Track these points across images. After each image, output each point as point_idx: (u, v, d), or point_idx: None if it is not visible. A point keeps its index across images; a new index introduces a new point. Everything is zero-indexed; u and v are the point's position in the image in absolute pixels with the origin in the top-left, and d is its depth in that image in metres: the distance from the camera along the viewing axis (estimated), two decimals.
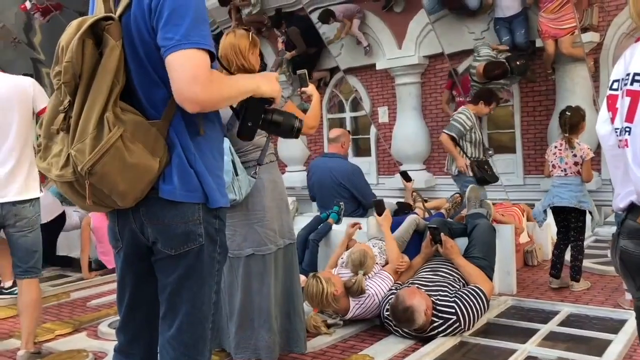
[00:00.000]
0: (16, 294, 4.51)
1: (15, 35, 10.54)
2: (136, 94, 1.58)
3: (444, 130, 5.56)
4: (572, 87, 6.33)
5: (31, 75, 11.43)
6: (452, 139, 5.42)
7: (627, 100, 1.48)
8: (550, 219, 4.41)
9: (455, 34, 7.09)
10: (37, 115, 3.21)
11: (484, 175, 5.44)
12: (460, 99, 6.96)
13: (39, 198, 3.29)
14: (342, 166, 5.11)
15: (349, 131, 6.46)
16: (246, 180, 2.89)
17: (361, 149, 8.72)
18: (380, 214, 4.10)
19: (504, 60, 6.19)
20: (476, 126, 5.50)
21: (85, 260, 5.46)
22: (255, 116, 1.71)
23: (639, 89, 1.45)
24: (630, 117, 1.48)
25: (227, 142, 2.82)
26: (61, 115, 1.53)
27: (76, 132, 1.48)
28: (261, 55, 8.64)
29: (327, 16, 7.59)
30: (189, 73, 1.47)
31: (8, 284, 4.54)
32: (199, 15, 1.53)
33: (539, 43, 6.39)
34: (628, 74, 1.49)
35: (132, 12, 1.55)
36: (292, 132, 1.78)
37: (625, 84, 1.50)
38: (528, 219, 5.17)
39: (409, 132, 7.76)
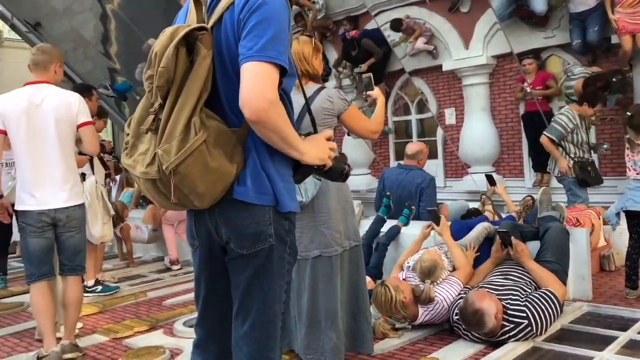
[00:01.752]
0: (98, 292, 4.83)
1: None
2: (220, 101, 1.66)
3: (544, 132, 5.52)
4: None
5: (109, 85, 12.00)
6: (553, 140, 5.40)
7: None
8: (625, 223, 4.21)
9: (525, 33, 6.90)
10: (77, 129, 3.42)
11: (586, 177, 5.37)
12: (529, 89, 6.75)
13: (84, 203, 3.55)
14: (418, 177, 5.05)
15: (427, 144, 6.40)
16: (312, 183, 2.94)
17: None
18: (436, 223, 4.06)
19: (604, 74, 6.00)
20: (579, 127, 5.41)
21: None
22: (305, 174, 1.78)
23: None
24: None
25: None
26: (151, 117, 1.60)
27: (164, 133, 1.56)
28: (325, 59, 8.80)
29: (398, 23, 7.65)
30: (258, 86, 1.54)
31: (90, 282, 4.81)
32: (281, 31, 1.60)
33: (614, 39, 6.11)
34: None
35: (223, 23, 1.64)
36: (341, 176, 1.81)
37: None
38: (604, 223, 4.96)
39: (477, 134, 7.61)
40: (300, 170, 1.76)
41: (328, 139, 1.78)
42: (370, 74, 3.31)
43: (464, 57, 7.59)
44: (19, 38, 12.90)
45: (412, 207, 4.67)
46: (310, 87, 2.97)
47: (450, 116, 8.18)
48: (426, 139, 8.59)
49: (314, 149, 1.71)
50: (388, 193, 4.85)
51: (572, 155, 5.42)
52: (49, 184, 3.33)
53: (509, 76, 7.47)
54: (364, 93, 3.30)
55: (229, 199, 1.65)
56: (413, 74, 8.08)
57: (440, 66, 7.90)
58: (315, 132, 1.84)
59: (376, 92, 3.17)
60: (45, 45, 3.82)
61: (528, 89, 6.79)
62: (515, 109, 7.44)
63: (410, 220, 4.66)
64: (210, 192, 1.61)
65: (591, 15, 6.13)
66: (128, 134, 1.69)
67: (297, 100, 2.88)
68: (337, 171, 1.79)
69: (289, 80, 1.72)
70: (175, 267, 5.98)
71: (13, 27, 11.73)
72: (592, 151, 5.57)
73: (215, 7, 1.67)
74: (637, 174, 3.95)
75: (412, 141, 7.81)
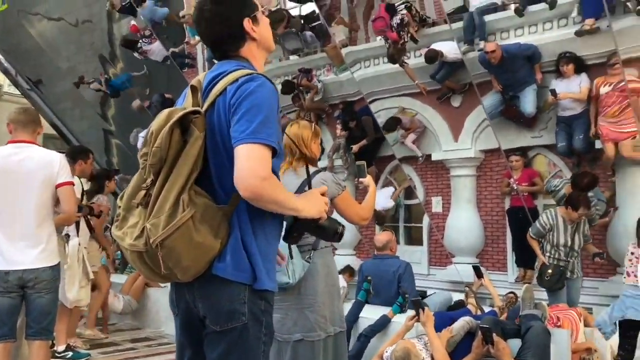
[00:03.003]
0: (69, 358, 4.68)
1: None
2: (211, 179, 1.76)
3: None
4: (633, 190, 6.20)
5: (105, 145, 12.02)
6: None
7: None
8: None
9: (513, 131, 7.16)
10: (56, 188, 3.37)
11: (539, 279, 5.49)
12: (515, 185, 6.89)
13: (59, 263, 3.46)
14: (394, 265, 5.11)
15: (392, 231, 6.46)
16: (300, 264, 2.95)
17: (413, 238, 8.67)
18: (419, 313, 4.06)
19: (589, 173, 6.16)
20: (558, 228, 5.52)
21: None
22: (302, 230, 1.88)
23: None
24: None
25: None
26: (142, 192, 1.70)
27: (154, 208, 1.65)
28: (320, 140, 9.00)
29: (394, 124, 7.81)
30: (251, 166, 1.65)
31: (61, 347, 4.67)
32: (271, 115, 1.73)
33: (598, 144, 6.35)
34: None
35: (216, 107, 1.76)
36: (335, 236, 1.90)
37: None
38: (586, 324, 4.96)
39: (462, 224, 7.68)
40: (296, 226, 1.84)
41: (322, 194, 1.88)
42: (364, 162, 3.42)
43: (453, 149, 7.80)
44: (18, 93, 13.14)
45: (407, 296, 4.65)
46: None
47: (437, 204, 8.29)
48: (412, 224, 8.69)
49: (310, 203, 1.81)
50: (369, 277, 4.88)
51: (548, 255, 5.56)
52: (19, 243, 3.27)
53: (496, 170, 7.65)
54: (356, 180, 3.39)
55: (209, 274, 1.72)
56: (403, 161, 8.26)
57: (430, 155, 8.10)
58: None
59: (368, 180, 3.24)
60: (28, 106, 3.88)
61: (514, 185, 6.95)
62: (501, 203, 7.57)
63: (406, 309, 4.60)
64: (194, 265, 1.68)
65: (577, 121, 6.37)
66: (119, 207, 1.77)
67: (293, 182, 2.99)
68: (332, 231, 1.88)
69: (276, 160, 1.82)
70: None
71: (15, 83, 11.97)
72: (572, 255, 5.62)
73: (210, 93, 1.80)
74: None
75: (381, 231, 7.78)
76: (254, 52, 1.92)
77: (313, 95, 8.76)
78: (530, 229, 5.69)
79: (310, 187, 2.08)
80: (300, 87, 8.78)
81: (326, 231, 1.88)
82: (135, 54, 10.25)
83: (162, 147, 1.65)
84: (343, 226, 1.92)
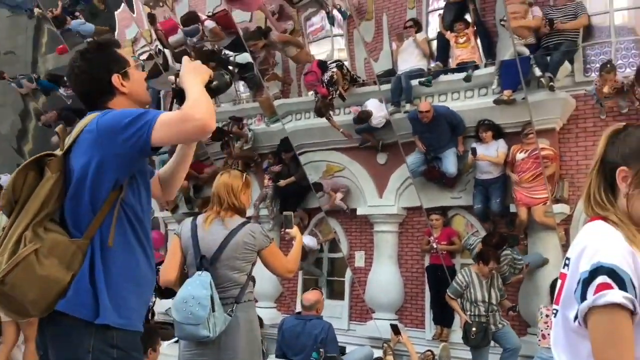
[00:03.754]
0: None
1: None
2: (65, 216, 1.80)
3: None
4: (544, 253, 6.52)
5: None
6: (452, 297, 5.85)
7: (559, 283, 1.48)
8: None
9: (434, 191, 7.42)
10: None
11: (464, 340, 5.63)
12: (435, 244, 7.07)
13: None
14: (316, 328, 5.05)
15: (321, 291, 6.46)
16: (222, 317, 2.87)
17: (335, 292, 8.65)
18: None
19: (498, 233, 6.54)
20: (475, 285, 5.75)
21: None
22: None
23: (567, 272, 1.43)
24: (557, 299, 1.47)
25: (208, 277, 2.85)
26: (2, 233, 1.75)
27: (1, 247, 1.70)
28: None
29: (317, 189, 7.89)
30: (176, 123, 1.72)
31: None
32: (137, 109, 1.83)
33: (512, 208, 6.69)
34: (567, 257, 1.46)
35: (75, 149, 1.82)
36: (229, 86, 2.02)
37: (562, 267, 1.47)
38: None
39: (383, 280, 7.75)
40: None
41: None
42: (291, 213, 3.42)
43: (377, 204, 7.96)
44: None
45: (322, 351, 4.61)
46: (235, 220, 3.01)
47: (359, 259, 8.35)
48: (335, 278, 8.69)
49: (198, 75, 1.87)
50: (321, 349, 4.83)
51: (469, 313, 5.74)
52: None
53: (417, 228, 7.84)
54: (283, 230, 3.38)
55: (55, 313, 1.72)
56: (328, 214, 8.32)
57: (355, 210, 8.21)
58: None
59: (294, 231, 3.25)
60: None
61: (434, 243, 7.14)
62: (421, 260, 7.73)
63: None
64: (41, 299, 1.68)
65: (494, 185, 6.71)
66: None
67: (220, 232, 2.94)
68: (223, 84, 1.97)
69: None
70: None
71: None
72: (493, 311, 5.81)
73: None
74: None
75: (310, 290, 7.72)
76: (124, 104, 1.97)
77: (243, 143, 8.76)
78: (448, 290, 5.86)
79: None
80: (231, 135, 8.77)
81: (220, 88, 1.95)
82: (61, 90, 9.91)
83: (8, 190, 1.73)
84: (229, 74, 2.01)
